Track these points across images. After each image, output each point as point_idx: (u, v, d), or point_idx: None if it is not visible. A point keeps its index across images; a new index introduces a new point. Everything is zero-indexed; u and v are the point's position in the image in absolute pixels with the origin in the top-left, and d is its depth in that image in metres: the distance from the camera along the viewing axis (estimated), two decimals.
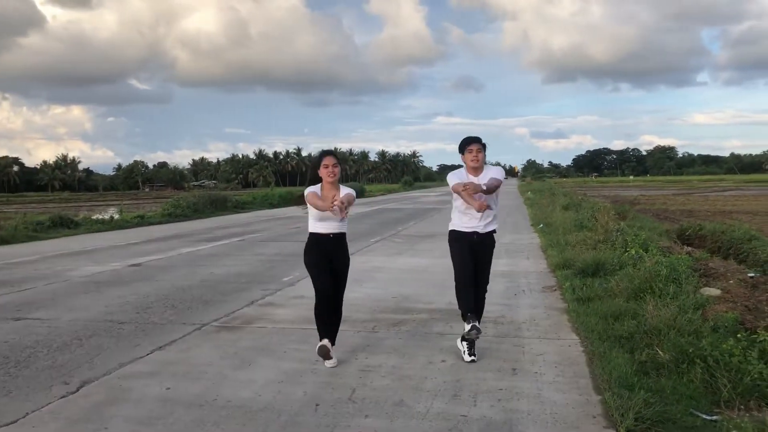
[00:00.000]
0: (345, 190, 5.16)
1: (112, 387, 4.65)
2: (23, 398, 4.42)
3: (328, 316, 5.17)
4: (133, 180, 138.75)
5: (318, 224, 5.15)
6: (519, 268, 10.24)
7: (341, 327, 5.40)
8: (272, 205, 33.92)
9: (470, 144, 5.20)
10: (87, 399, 4.40)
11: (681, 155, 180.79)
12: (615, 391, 4.24)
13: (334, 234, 5.16)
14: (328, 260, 5.14)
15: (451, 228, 5.41)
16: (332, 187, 5.13)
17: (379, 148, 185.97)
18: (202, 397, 4.41)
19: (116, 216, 23.74)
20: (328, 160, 5.12)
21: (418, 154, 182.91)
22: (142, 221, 22.53)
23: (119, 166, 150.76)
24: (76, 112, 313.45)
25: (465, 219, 5.26)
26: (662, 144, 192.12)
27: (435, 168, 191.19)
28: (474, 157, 5.18)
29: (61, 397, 4.42)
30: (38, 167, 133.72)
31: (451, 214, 5.43)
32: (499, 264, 10.62)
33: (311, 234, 5.21)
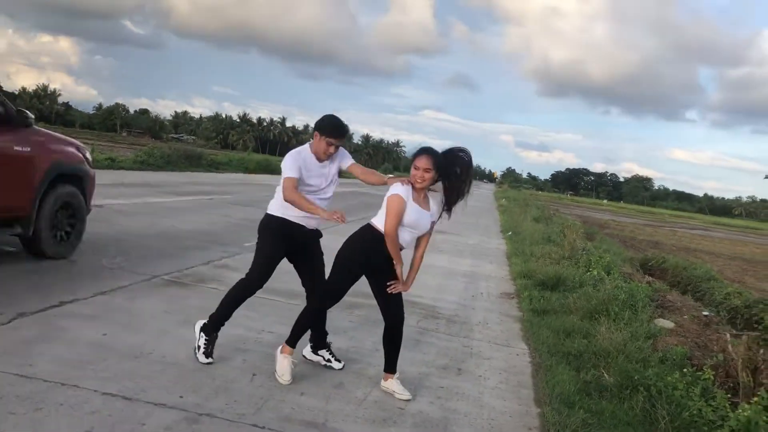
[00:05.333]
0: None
1: (47, 324, 4.48)
2: None
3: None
4: (111, 122, 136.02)
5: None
6: (481, 271, 10.21)
7: (293, 300, 5.28)
8: (247, 170, 33.52)
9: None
10: (17, 332, 4.23)
11: (657, 187, 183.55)
12: (555, 406, 4.22)
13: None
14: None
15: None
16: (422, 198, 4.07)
17: (365, 131, 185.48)
18: (139, 348, 4.28)
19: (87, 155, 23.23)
20: (420, 162, 3.96)
21: (401, 144, 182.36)
22: (112, 164, 22.05)
23: (100, 105, 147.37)
24: (64, 43, 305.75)
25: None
26: (641, 173, 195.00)
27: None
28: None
29: None
30: (16, 93, 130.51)
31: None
32: (462, 264, 10.61)
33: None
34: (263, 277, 4.35)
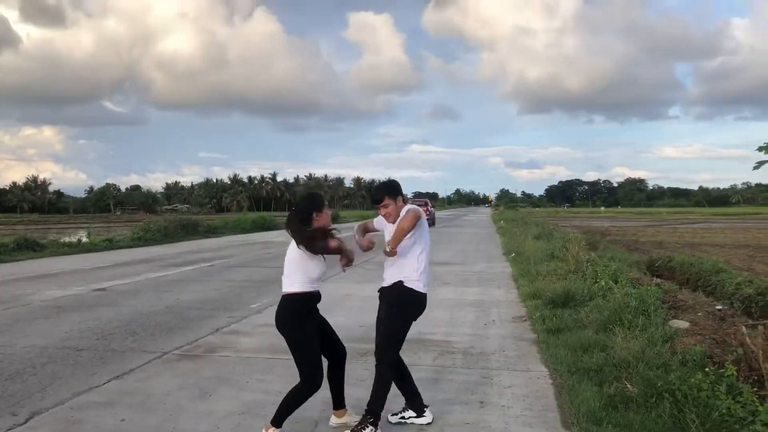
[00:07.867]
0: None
1: (63, 418, 4.44)
2: None
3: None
4: (104, 203, 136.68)
5: (316, 279, 4.13)
6: (490, 298, 10.17)
7: None
8: (244, 230, 33.60)
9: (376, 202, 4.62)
10: None
11: (651, 187, 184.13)
12: (583, 426, 4.17)
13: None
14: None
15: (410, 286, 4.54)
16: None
17: (355, 174, 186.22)
18: (158, 429, 4.24)
19: (84, 239, 23.28)
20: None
21: None
22: (110, 245, 22.10)
23: (91, 188, 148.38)
24: (48, 133, 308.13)
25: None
26: (633, 176, 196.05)
27: (410, 195, 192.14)
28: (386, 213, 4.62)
29: (7, 430, 4.21)
30: (7, 188, 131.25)
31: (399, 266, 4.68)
32: (470, 293, 10.58)
33: (307, 295, 4.07)
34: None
